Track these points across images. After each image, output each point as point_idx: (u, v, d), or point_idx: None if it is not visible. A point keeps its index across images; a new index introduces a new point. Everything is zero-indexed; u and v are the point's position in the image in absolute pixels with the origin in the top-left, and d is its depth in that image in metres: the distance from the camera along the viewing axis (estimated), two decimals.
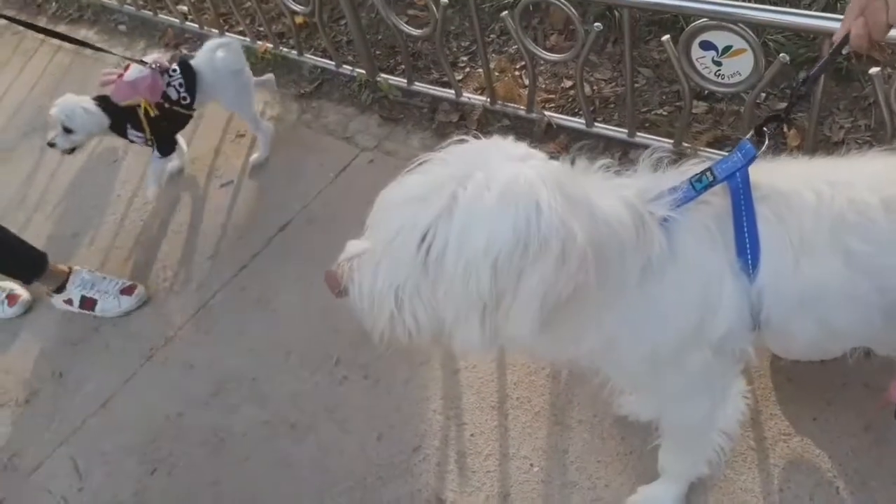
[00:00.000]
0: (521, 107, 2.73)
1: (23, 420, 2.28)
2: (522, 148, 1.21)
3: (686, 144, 2.45)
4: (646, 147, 1.43)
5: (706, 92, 2.52)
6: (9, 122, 3.61)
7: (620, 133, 2.56)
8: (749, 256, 1.25)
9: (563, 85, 2.87)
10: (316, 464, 1.99)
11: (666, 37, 2.20)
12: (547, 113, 2.69)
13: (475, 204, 1.07)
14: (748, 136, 1.34)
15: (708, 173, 1.28)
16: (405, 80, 3.00)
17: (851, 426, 1.76)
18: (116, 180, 3.06)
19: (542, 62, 2.81)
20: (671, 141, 2.47)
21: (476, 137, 1.24)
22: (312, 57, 3.27)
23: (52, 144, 2.61)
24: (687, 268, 1.28)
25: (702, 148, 2.45)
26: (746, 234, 1.25)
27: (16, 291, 2.61)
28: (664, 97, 2.75)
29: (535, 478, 1.85)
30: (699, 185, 1.28)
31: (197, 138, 3.09)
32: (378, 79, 3.05)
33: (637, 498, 1.76)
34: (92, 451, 2.16)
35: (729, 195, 1.27)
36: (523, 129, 2.69)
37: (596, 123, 2.62)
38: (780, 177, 1.31)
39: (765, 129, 1.35)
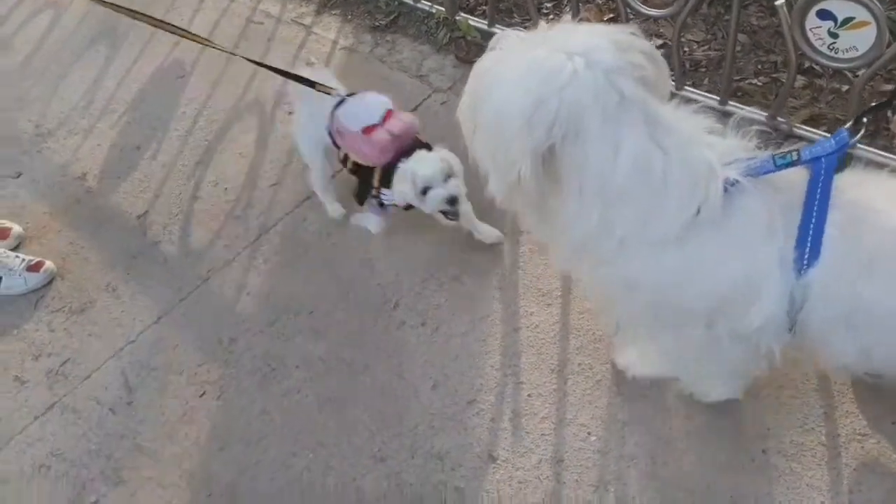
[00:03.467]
0: None
1: (76, 328, 2.28)
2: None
3: (781, 119, 2.31)
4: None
5: (807, 65, 2.38)
6: (78, 27, 3.56)
7: (711, 99, 2.43)
8: (807, 249, 1.20)
9: (651, 43, 2.72)
10: (368, 405, 1.96)
11: (780, 1, 2.05)
12: None
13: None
14: (847, 125, 1.26)
15: (794, 153, 1.22)
16: (486, 22, 2.87)
17: None
18: (182, 96, 3.00)
19: (633, 16, 2.66)
20: (765, 113, 2.33)
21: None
22: None
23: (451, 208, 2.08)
24: (734, 240, 1.23)
25: (797, 124, 2.31)
26: (812, 225, 1.19)
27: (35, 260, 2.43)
28: (760, 66, 2.60)
29: (592, 447, 1.80)
30: (781, 160, 1.22)
31: (266, 62, 3.01)
32: (458, 17, 2.93)
33: (622, 355, 1.86)
34: (142, 366, 2.16)
35: (806, 187, 1.21)
36: None
37: (685, 87, 2.49)
38: (872, 189, 1.24)
39: (864, 118, 1.26)
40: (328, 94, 2.09)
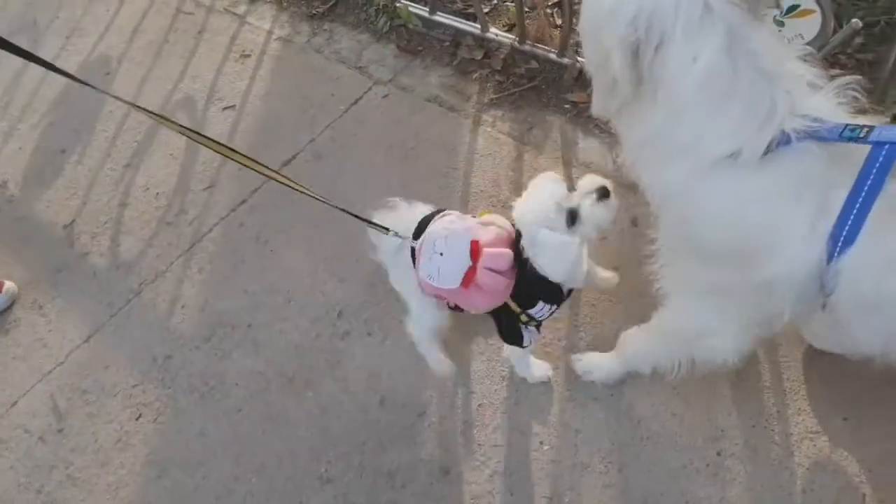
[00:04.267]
0: (553, 49, 2.52)
1: (0, 351, 2.15)
2: None
3: None
4: None
5: None
6: None
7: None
8: (846, 232, 1.14)
9: None
10: (313, 422, 1.88)
11: None
12: (581, 59, 2.48)
13: None
14: None
15: (864, 129, 1.14)
16: (427, 9, 2.76)
17: (883, 430, 1.66)
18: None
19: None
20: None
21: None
22: None
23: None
24: (764, 191, 1.20)
25: None
26: (856, 209, 1.13)
27: None
28: None
29: (545, 456, 1.75)
30: (849, 133, 1.15)
31: (197, 55, 2.86)
32: (398, 4, 2.82)
33: (581, 359, 1.83)
34: (73, 389, 2.04)
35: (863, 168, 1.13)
36: (552, 75, 2.49)
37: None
38: None
39: None
40: (384, 233, 1.61)
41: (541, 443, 1.77)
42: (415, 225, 1.60)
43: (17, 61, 3.02)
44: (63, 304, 2.23)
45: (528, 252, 1.50)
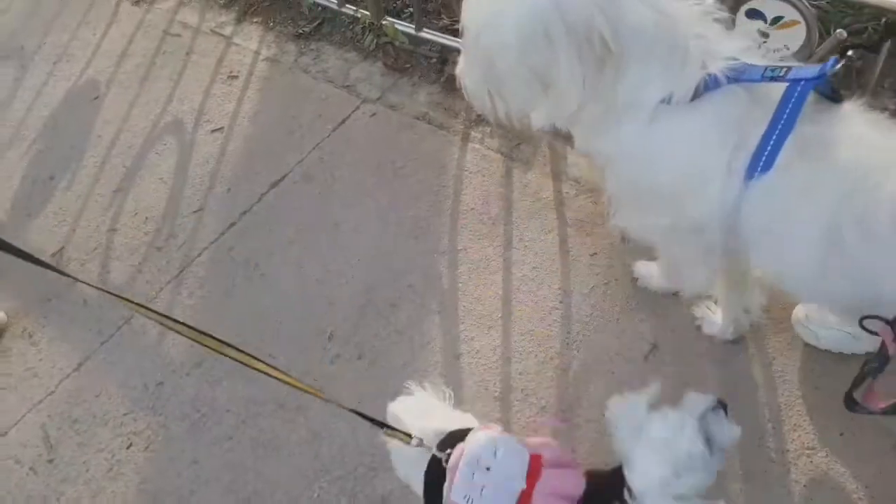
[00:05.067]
0: None
1: None
2: None
3: None
4: None
5: None
6: None
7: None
8: (762, 160, 1.23)
9: None
10: (305, 448, 1.87)
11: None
12: None
13: None
14: (835, 56, 1.28)
15: (784, 69, 1.23)
16: (413, 26, 2.76)
17: (880, 444, 1.65)
18: (98, 119, 2.83)
19: None
20: None
21: None
22: None
23: None
24: (694, 133, 1.29)
25: None
26: (771, 144, 1.22)
27: None
28: None
29: None
30: (769, 73, 1.23)
31: (185, 77, 2.86)
32: (384, 22, 2.81)
33: (639, 267, 1.92)
34: (63, 418, 2.02)
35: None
36: None
37: None
38: (847, 129, 1.25)
39: (849, 52, 1.32)
40: (405, 442, 1.34)
41: None
42: (439, 433, 1.33)
43: (5, 87, 3.04)
44: (53, 332, 2.22)
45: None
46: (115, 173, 2.62)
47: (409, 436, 1.33)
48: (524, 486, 1.22)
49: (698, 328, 1.86)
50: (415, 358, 1.96)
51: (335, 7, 2.92)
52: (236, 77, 2.83)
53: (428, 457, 1.31)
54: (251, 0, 3.05)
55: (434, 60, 2.72)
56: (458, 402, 1.85)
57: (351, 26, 2.89)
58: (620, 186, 1.48)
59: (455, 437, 1.34)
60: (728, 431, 1.26)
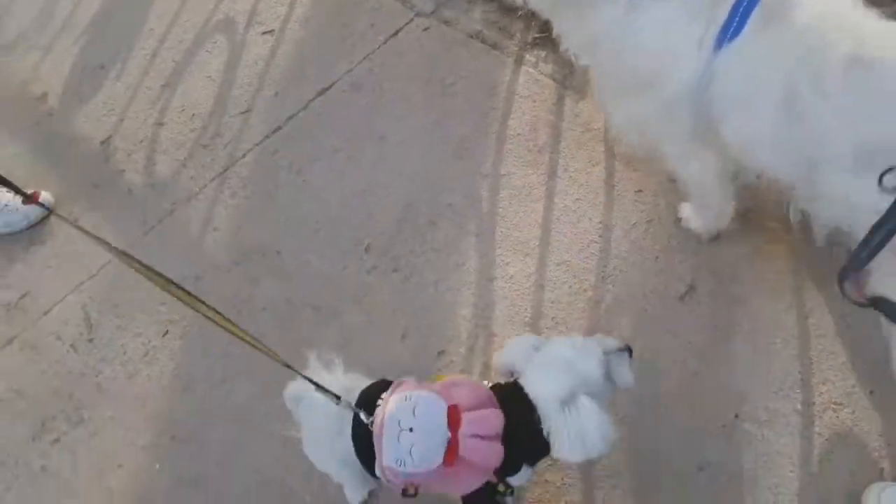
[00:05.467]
0: None
1: (36, 260, 2.20)
2: None
3: None
4: None
5: None
6: None
7: None
8: (731, 30, 1.31)
9: None
10: (337, 350, 1.90)
11: None
12: None
13: None
14: None
15: None
16: None
17: None
18: (150, 11, 2.81)
19: None
20: None
21: None
22: None
23: None
24: (667, 16, 1.37)
25: None
26: (739, 14, 1.30)
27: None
28: None
29: None
30: None
31: None
32: None
33: (684, 208, 1.90)
34: (104, 301, 2.09)
35: None
36: None
37: None
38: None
39: None
40: (335, 402, 1.37)
41: None
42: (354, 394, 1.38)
43: None
44: (98, 218, 2.26)
45: (551, 423, 1.29)
46: (164, 67, 2.62)
47: (339, 397, 1.35)
48: (448, 435, 1.27)
49: (679, 221, 1.91)
50: (448, 276, 1.98)
51: None
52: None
53: (339, 415, 1.36)
54: None
55: None
56: (488, 324, 1.88)
57: None
58: (603, 72, 1.57)
59: (368, 396, 1.38)
60: (626, 374, 1.37)
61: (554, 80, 2.32)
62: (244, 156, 2.32)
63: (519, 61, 2.39)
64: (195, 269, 2.10)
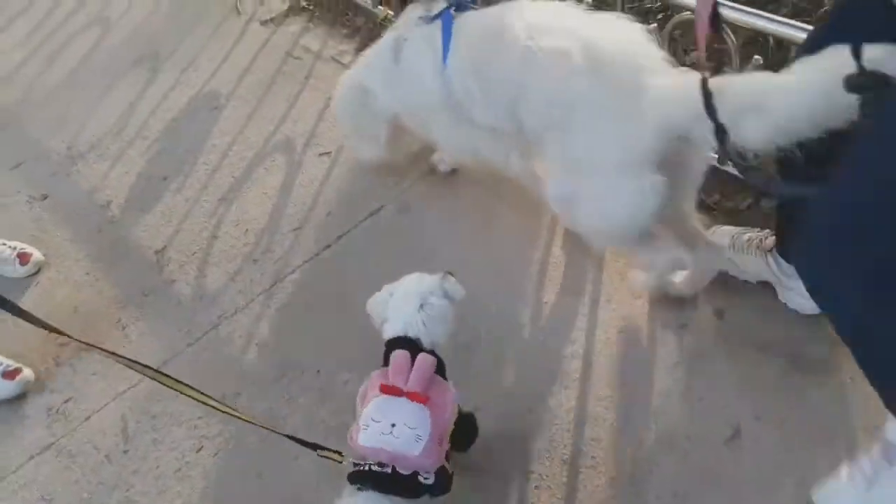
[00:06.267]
0: None
1: (82, 365, 2.24)
2: None
3: None
4: None
5: None
6: (123, 45, 3.58)
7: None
8: (445, 55, 1.97)
9: None
10: None
11: None
12: None
13: None
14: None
15: (438, 13, 2.04)
16: None
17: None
18: (215, 128, 2.97)
19: None
20: None
21: None
22: None
23: None
24: (413, 59, 2.09)
25: None
26: (445, 44, 1.97)
27: (26, 250, 2.52)
28: None
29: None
30: (431, 17, 2.05)
31: (301, 99, 2.98)
32: None
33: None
34: (142, 412, 2.10)
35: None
36: None
37: None
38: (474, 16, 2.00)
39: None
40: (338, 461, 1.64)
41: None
42: None
43: (137, 88, 3.23)
44: (145, 327, 2.31)
45: (418, 328, 1.64)
46: (223, 182, 2.73)
47: (341, 454, 1.62)
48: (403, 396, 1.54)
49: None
50: (485, 404, 1.94)
51: None
52: None
53: None
54: (373, 34, 3.14)
55: None
56: (525, 460, 1.82)
57: None
58: (412, 122, 2.26)
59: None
60: (457, 288, 1.70)
61: None
62: (293, 272, 2.37)
63: None
64: (234, 385, 2.11)
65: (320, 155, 2.74)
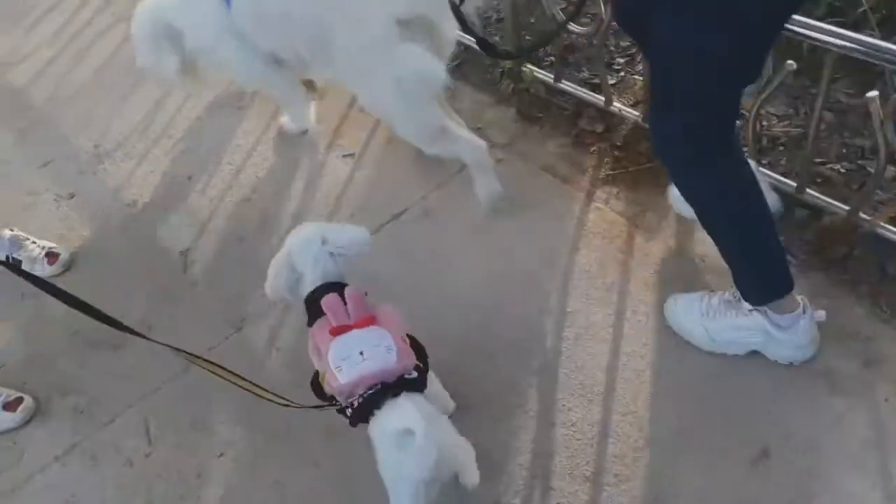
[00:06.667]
0: None
1: (107, 367, 2.25)
2: None
3: (864, 216, 2.11)
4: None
5: None
6: None
7: (788, 186, 2.24)
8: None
9: None
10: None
11: (873, 94, 1.87)
12: None
13: None
14: None
15: None
16: (552, 76, 2.74)
17: None
18: (239, 128, 2.97)
19: None
20: (846, 207, 2.13)
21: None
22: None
23: None
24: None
25: (881, 224, 2.10)
26: None
27: (55, 250, 2.55)
28: (844, 150, 2.40)
29: None
30: None
31: (325, 101, 2.96)
32: (524, 69, 2.81)
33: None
34: (166, 416, 2.11)
35: None
36: None
37: (760, 166, 2.31)
38: None
39: None
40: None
41: None
42: None
43: (159, 91, 3.23)
44: (169, 329, 2.31)
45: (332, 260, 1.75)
46: (247, 183, 2.73)
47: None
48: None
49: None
50: (507, 415, 1.93)
51: (478, 49, 2.94)
52: None
53: None
54: None
55: (568, 112, 2.70)
56: (547, 476, 1.80)
57: (490, 69, 2.91)
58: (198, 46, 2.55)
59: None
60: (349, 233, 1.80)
61: (625, 217, 2.32)
62: None
63: (590, 196, 2.41)
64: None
65: (343, 156, 2.73)
